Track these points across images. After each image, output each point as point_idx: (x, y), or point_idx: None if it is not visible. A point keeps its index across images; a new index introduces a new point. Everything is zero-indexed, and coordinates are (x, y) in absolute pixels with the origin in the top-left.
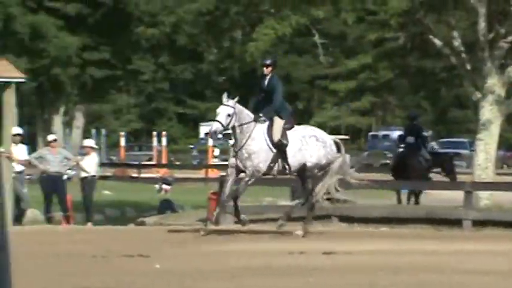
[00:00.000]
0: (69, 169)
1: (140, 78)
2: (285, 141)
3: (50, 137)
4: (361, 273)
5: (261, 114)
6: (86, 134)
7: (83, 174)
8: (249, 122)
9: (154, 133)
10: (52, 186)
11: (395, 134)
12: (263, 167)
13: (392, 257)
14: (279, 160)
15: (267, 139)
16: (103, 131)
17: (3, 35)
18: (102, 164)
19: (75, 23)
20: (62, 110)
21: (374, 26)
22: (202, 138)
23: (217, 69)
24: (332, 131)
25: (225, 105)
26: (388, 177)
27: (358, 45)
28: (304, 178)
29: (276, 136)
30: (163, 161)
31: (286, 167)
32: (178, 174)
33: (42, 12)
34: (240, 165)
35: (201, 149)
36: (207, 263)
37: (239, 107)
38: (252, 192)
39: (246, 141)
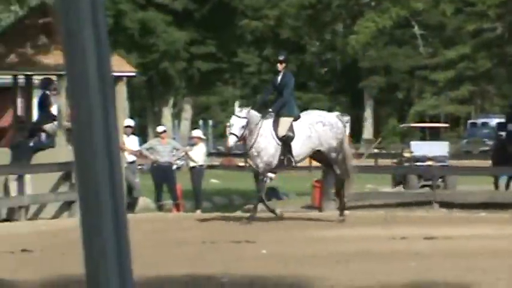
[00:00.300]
0: (178, 159)
1: (245, 71)
2: (291, 134)
3: (160, 128)
4: (460, 257)
5: (270, 110)
6: (194, 125)
7: (192, 164)
8: (257, 123)
9: None
10: (162, 175)
11: (494, 121)
12: (274, 161)
13: (490, 242)
14: (286, 152)
15: (273, 134)
16: (210, 122)
17: (114, 31)
18: (209, 154)
19: (183, 18)
20: (171, 102)
21: (472, 16)
22: None
23: (319, 61)
24: (432, 119)
25: (237, 116)
26: (487, 163)
27: (456, 35)
28: (330, 164)
29: (282, 132)
30: None
31: (292, 159)
32: None
33: (151, 8)
34: (251, 163)
35: None
36: (311, 248)
37: (250, 113)
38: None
39: (256, 139)
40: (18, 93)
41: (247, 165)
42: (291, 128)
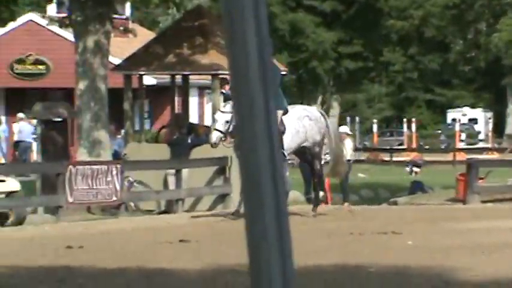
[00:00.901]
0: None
1: (391, 69)
2: (282, 128)
3: None
4: None
5: None
6: (341, 121)
7: None
8: None
9: (405, 119)
10: (311, 170)
11: None
12: None
13: None
14: None
15: None
16: (357, 119)
17: None
18: (356, 149)
19: (331, 20)
20: (319, 99)
21: None
22: (449, 124)
23: (463, 59)
24: None
25: (222, 112)
26: None
27: None
28: (309, 160)
29: None
30: (414, 145)
31: (284, 153)
32: (428, 157)
33: (301, 10)
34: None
35: (449, 134)
36: (455, 239)
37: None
38: (498, 173)
39: None
40: (176, 92)
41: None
42: (281, 122)
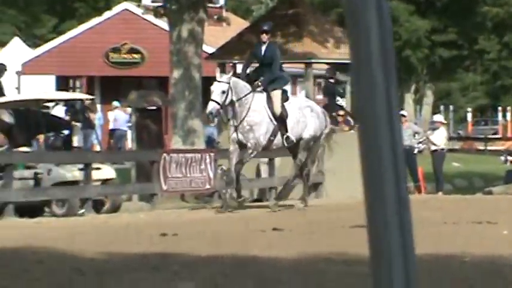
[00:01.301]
0: (420, 143)
1: (485, 57)
2: (285, 113)
3: (400, 113)
4: None
5: (259, 83)
6: (435, 110)
7: (433, 148)
8: (246, 94)
9: (499, 108)
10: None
11: None
12: (263, 140)
13: None
14: (278, 133)
15: (268, 111)
16: (451, 107)
17: None
18: (450, 138)
19: (425, 8)
20: (412, 88)
21: None
22: None
23: None
24: None
25: (218, 81)
26: None
27: None
28: (296, 152)
29: (278, 109)
30: (509, 134)
31: (290, 137)
32: None
33: None
34: (242, 138)
35: None
36: None
37: (234, 80)
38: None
39: (247, 113)
40: None
41: (234, 140)
42: (283, 107)
